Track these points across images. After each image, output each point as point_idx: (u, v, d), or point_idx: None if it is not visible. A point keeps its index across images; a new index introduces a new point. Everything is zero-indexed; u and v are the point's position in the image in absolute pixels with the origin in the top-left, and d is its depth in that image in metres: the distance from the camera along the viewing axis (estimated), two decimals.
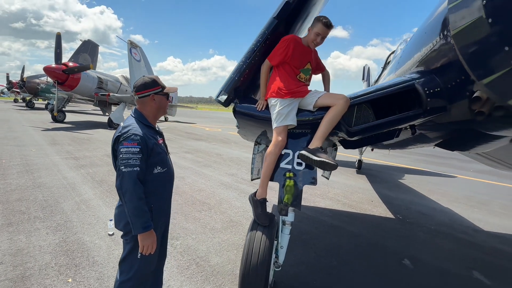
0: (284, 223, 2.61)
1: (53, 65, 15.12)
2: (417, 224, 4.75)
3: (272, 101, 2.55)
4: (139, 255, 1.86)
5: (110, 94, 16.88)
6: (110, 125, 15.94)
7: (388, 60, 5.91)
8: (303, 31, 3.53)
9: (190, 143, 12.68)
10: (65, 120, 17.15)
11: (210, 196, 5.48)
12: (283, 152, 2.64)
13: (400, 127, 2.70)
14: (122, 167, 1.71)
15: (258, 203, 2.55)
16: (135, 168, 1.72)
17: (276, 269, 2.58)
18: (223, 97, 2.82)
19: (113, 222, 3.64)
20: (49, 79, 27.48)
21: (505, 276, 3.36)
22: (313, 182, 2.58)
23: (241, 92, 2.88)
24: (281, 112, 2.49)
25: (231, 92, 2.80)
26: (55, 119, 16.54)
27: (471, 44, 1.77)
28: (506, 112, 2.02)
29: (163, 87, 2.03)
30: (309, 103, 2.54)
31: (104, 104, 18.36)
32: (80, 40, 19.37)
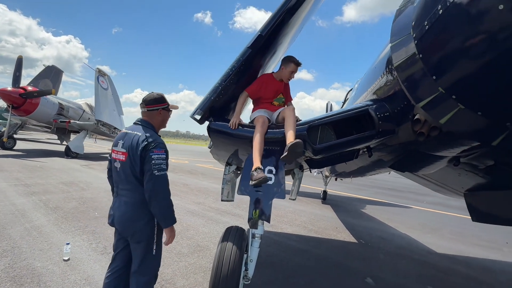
0: (253, 236, 2.68)
1: (9, 88, 14.30)
2: (378, 248, 5.01)
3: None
4: (154, 251, 2.15)
5: (71, 121, 16.12)
6: (68, 153, 15.00)
7: (347, 97, 6.59)
8: (272, 64, 3.94)
9: None
10: (14, 148, 15.82)
11: (176, 223, 5.32)
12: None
13: (358, 147, 3.04)
14: (155, 172, 1.99)
15: (255, 171, 2.55)
16: (166, 172, 2.09)
17: (246, 282, 2.59)
18: (198, 116, 2.99)
19: (70, 246, 3.43)
20: (1, 103, 25.65)
21: None
22: (281, 195, 2.74)
23: (216, 112, 3.08)
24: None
25: (206, 111, 2.98)
26: (3, 146, 15.19)
27: (408, 74, 2.18)
28: (440, 132, 2.43)
29: (168, 104, 2.40)
30: (275, 116, 3.02)
31: (63, 131, 17.37)
32: (44, 65, 18.73)
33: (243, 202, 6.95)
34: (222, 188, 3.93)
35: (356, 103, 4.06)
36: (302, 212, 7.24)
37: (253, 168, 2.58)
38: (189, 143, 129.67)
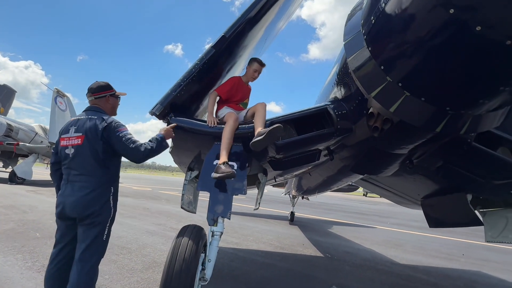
0: (213, 234, 2.53)
1: None
2: (344, 260, 4.98)
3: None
4: (105, 236, 2.16)
5: (20, 143, 14.82)
6: (12, 179, 13.58)
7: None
8: (236, 68, 4.04)
9: None
10: None
11: (132, 242, 4.91)
12: (214, 163, 2.73)
13: (318, 145, 3.12)
14: (131, 144, 2.15)
15: (222, 165, 2.47)
16: (138, 141, 2.22)
17: (203, 284, 2.39)
18: (159, 109, 2.91)
19: None
20: None
21: None
22: (242, 191, 2.67)
23: (177, 108, 3.02)
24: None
25: (167, 106, 2.92)
26: None
27: (360, 67, 2.34)
28: (391, 124, 2.58)
29: (115, 91, 2.44)
30: (242, 115, 2.93)
31: (9, 155, 15.84)
32: None
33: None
34: (182, 195, 3.74)
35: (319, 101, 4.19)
36: (269, 232, 7.08)
37: (220, 162, 2.52)
38: (155, 173, 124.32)
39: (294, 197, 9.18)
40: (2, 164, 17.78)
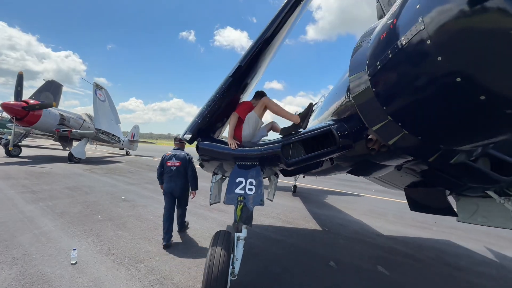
0: (238, 238, 2.70)
1: (12, 101, 13.21)
2: (338, 234, 5.21)
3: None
4: (188, 202, 4.72)
5: (73, 130, 15.19)
6: (71, 159, 14.14)
7: (313, 109, 6.76)
8: (249, 88, 3.96)
9: (150, 175, 11.91)
10: (20, 155, 14.65)
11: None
12: (237, 180, 2.82)
13: (323, 159, 3.14)
14: (193, 172, 4.45)
15: None
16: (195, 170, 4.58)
17: (233, 279, 2.60)
18: (188, 136, 2.95)
19: (76, 251, 3.26)
20: (4, 114, 23.60)
21: (399, 268, 3.88)
22: (261, 203, 2.78)
23: (203, 133, 3.06)
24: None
25: (194, 133, 2.95)
26: (9, 154, 14.01)
27: (364, 104, 2.28)
28: (388, 149, 2.57)
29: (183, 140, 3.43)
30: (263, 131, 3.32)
31: (65, 139, 16.34)
32: (44, 80, 17.45)
33: None
34: (210, 194, 3.91)
35: (320, 118, 4.14)
36: (277, 205, 7.35)
37: None
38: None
39: None
40: (61, 147, 18.35)
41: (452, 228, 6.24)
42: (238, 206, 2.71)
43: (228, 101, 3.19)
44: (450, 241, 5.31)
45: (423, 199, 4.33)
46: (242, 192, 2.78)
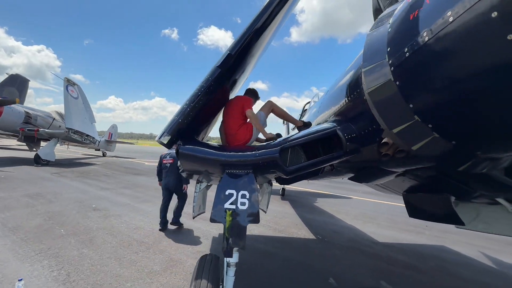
0: (228, 265, 2.20)
1: None
2: (333, 243, 4.85)
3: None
4: (184, 194, 5.19)
5: (40, 129, 13.81)
6: (37, 161, 12.80)
7: (305, 108, 6.35)
8: (236, 89, 3.48)
9: (128, 178, 11.01)
10: None
11: (149, 234, 4.59)
12: (227, 193, 2.32)
13: (325, 165, 2.71)
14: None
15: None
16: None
17: None
18: (166, 138, 2.40)
19: (23, 282, 2.59)
20: None
21: (404, 282, 3.55)
22: (256, 219, 2.29)
23: (184, 134, 2.51)
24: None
25: (174, 134, 2.41)
26: None
27: (382, 101, 1.86)
28: (406, 154, 2.18)
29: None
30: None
31: (32, 139, 14.87)
32: (6, 74, 15.80)
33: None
34: (194, 206, 3.36)
35: (320, 118, 3.67)
36: (267, 211, 6.88)
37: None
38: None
39: None
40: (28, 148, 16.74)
41: (443, 231, 6.12)
42: (228, 223, 2.21)
43: (214, 98, 2.67)
44: (445, 246, 5.13)
45: (424, 205, 4.04)
46: (233, 206, 2.28)
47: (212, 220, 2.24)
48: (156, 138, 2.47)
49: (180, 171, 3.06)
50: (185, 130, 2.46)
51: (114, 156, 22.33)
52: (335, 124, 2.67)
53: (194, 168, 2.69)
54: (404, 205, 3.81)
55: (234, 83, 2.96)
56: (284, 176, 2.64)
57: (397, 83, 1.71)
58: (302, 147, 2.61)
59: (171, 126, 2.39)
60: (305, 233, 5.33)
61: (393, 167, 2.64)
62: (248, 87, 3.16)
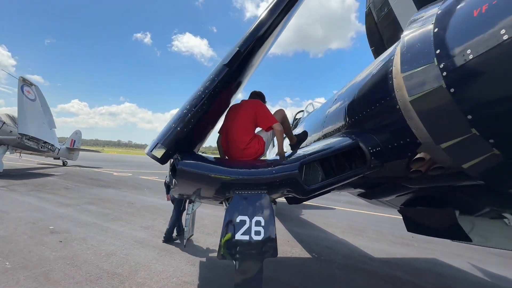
0: None
1: None
2: (330, 261, 4.53)
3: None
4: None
5: None
6: None
7: (296, 117, 6.10)
8: (237, 94, 3.07)
9: (94, 191, 9.78)
10: None
11: (123, 263, 3.84)
12: (238, 220, 1.86)
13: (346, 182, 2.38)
14: None
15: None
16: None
17: None
18: (160, 151, 1.90)
19: None
20: None
21: None
22: (273, 252, 1.86)
23: (183, 146, 2.03)
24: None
25: (170, 145, 1.91)
26: None
27: (430, 110, 1.60)
28: (444, 171, 1.93)
29: None
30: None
31: None
32: None
33: (197, 219, 5.73)
34: (185, 230, 2.81)
35: (329, 129, 3.29)
36: None
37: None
38: (131, 152, 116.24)
39: None
40: None
41: (428, 242, 6.16)
42: (241, 262, 1.75)
43: (218, 102, 2.23)
44: (436, 259, 5.10)
45: (425, 220, 3.90)
46: (246, 237, 1.84)
47: (222, 257, 1.76)
48: (146, 151, 1.94)
49: (172, 191, 2.48)
50: (184, 140, 1.98)
51: (76, 166, 20.13)
52: (352, 135, 2.37)
53: (196, 189, 2.18)
54: (387, 215, 3.64)
55: (238, 85, 2.55)
56: (302, 197, 2.26)
57: (452, 90, 1.44)
58: (319, 161, 2.27)
59: (167, 136, 1.90)
60: (299, 251, 4.95)
61: (419, 184, 2.40)
62: (254, 90, 2.75)
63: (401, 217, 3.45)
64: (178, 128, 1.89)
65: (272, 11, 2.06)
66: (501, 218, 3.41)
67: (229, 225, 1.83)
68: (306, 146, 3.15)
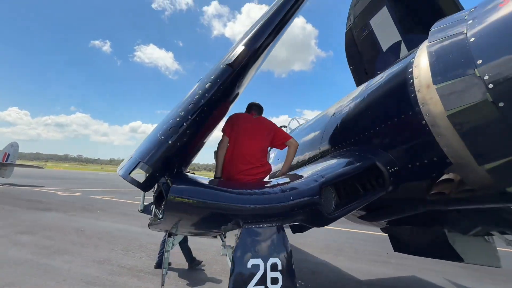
0: None
1: None
2: None
3: None
4: None
5: None
6: None
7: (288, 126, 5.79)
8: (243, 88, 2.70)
9: (31, 216, 8.03)
10: None
11: None
12: (249, 265, 1.41)
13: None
14: None
15: None
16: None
17: None
18: (142, 174, 1.38)
19: None
20: None
21: None
22: None
23: (175, 165, 1.53)
24: None
25: (157, 165, 1.41)
26: None
27: (474, 127, 1.41)
28: (472, 194, 1.75)
29: None
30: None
31: None
32: None
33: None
34: (163, 275, 2.18)
35: (326, 146, 2.95)
36: None
37: None
38: (81, 168, 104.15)
39: None
40: None
41: (401, 257, 6.20)
42: None
43: (216, 110, 1.81)
44: (416, 276, 5.11)
45: (413, 238, 3.84)
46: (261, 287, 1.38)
47: None
48: (121, 173, 1.39)
49: (154, 224, 1.83)
50: (176, 158, 1.49)
51: (9, 184, 16.83)
52: (367, 154, 2.12)
53: (191, 222, 1.66)
54: (359, 231, 3.50)
55: (239, 90, 2.17)
56: (314, 226, 1.91)
57: (501, 104, 1.27)
58: (334, 184, 1.96)
59: (154, 152, 1.41)
60: None
61: (436, 206, 2.22)
62: (251, 102, 2.37)
63: (372, 233, 3.28)
64: (169, 142, 1.40)
65: (284, 4, 1.79)
66: (482, 235, 3.47)
67: (239, 271, 1.35)
68: (303, 166, 2.84)
